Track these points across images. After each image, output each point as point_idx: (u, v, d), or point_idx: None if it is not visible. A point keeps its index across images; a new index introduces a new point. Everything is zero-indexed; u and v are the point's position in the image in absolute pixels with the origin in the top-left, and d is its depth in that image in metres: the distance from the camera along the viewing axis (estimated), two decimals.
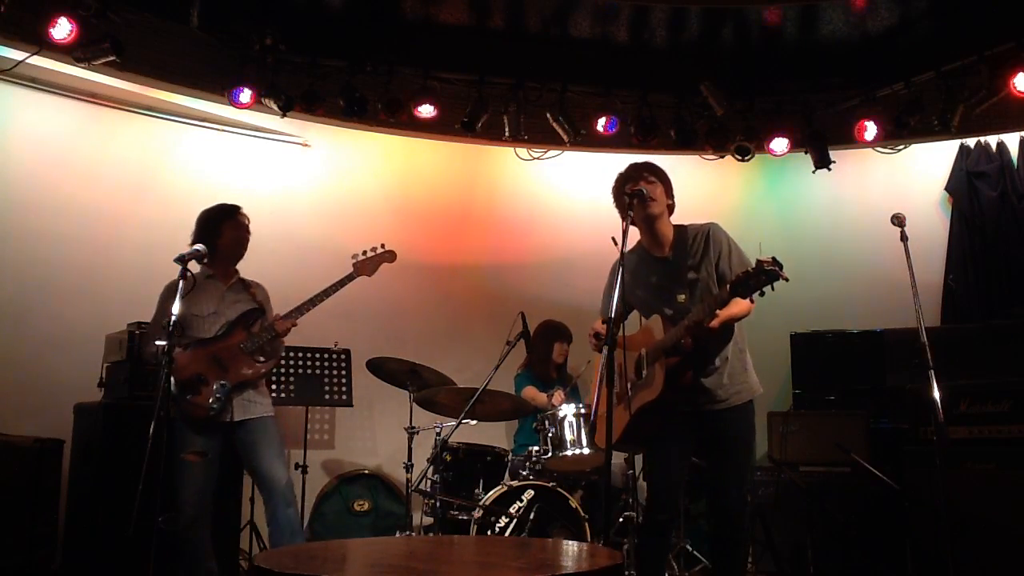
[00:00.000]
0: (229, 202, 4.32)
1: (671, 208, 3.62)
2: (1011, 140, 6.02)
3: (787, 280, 3.00)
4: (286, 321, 4.12)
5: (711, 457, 3.58)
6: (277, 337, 4.16)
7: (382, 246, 4.57)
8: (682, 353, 3.36)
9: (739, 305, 3.34)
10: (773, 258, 3.00)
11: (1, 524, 4.28)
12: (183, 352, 4.01)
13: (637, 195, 3.37)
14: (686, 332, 3.30)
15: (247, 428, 4.07)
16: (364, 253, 4.50)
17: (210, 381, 4.00)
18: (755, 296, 3.14)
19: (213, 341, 4.09)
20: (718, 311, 3.25)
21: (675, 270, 3.52)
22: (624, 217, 3.42)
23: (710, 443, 3.55)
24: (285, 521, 3.97)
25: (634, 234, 3.55)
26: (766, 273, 2.99)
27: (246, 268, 4.34)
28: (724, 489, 3.47)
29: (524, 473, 4.85)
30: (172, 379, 3.97)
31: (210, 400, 3.96)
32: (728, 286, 3.13)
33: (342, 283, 4.30)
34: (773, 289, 3.04)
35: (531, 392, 5.39)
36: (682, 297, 3.45)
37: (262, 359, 4.17)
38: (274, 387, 5.21)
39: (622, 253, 3.19)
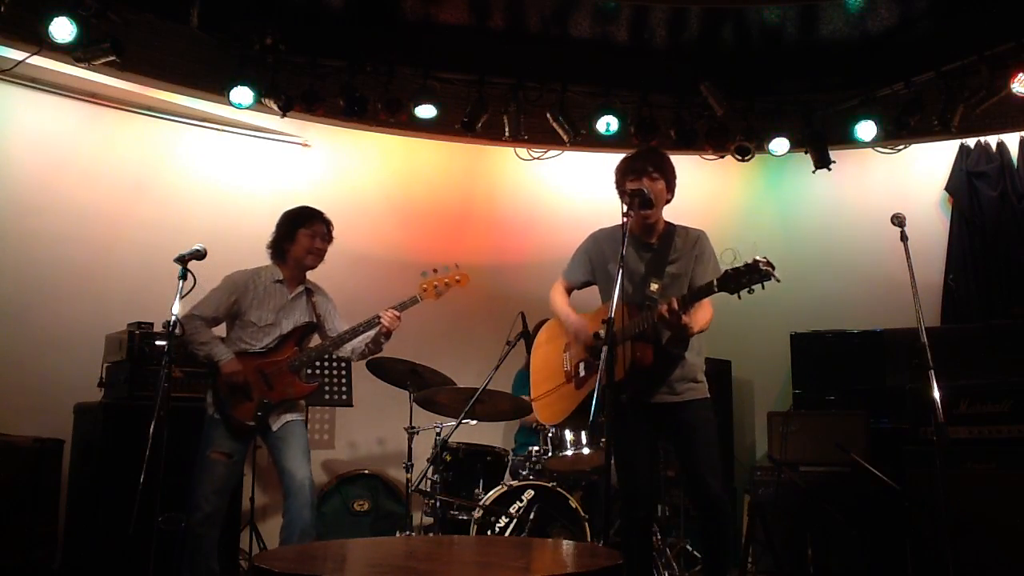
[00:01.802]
0: (310, 206, 4.26)
1: (668, 200, 3.61)
2: (1011, 140, 6.01)
3: (779, 281, 3.01)
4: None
5: (680, 454, 3.59)
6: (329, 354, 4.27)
7: (456, 266, 4.33)
8: (647, 339, 3.37)
9: (704, 316, 3.38)
10: (767, 259, 3.01)
11: (1, 524, 4.28)
12: (235, 359, 4.02)
13: (638, 195, 3.36)
14: (659, 319, 3.26)
15: (279, 431, 4.09)
16: (435, 271, 4.29)
17: (254, 395, 4.01)
18: (742, 296, 3.12)
19: (262, 355, 4.08)
20: (688, 314, 3.22)
21: (657, 259, 3.54)
22: (625, 211, 3.34)
23: (675, 437, 3.56)
24: (298, 520, 3.96)
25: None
26: (760, 272, 3.00)
27: (246, 265, 4.31)
28: (702, 480, 3.45)
29: (524, 473, 4.85)
30: (217, 384, 4.01)
31: (250, 417, 3.98)
32: (716, 280, 3.12)
33: (403, 306, 4.17)
34: (764, 288, 3.04)
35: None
36: (655, 286, 3.47)
37: (307, 380, 4.19)
38: None
39: (622, 255, 3.17)
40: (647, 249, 3.58)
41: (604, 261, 3.66)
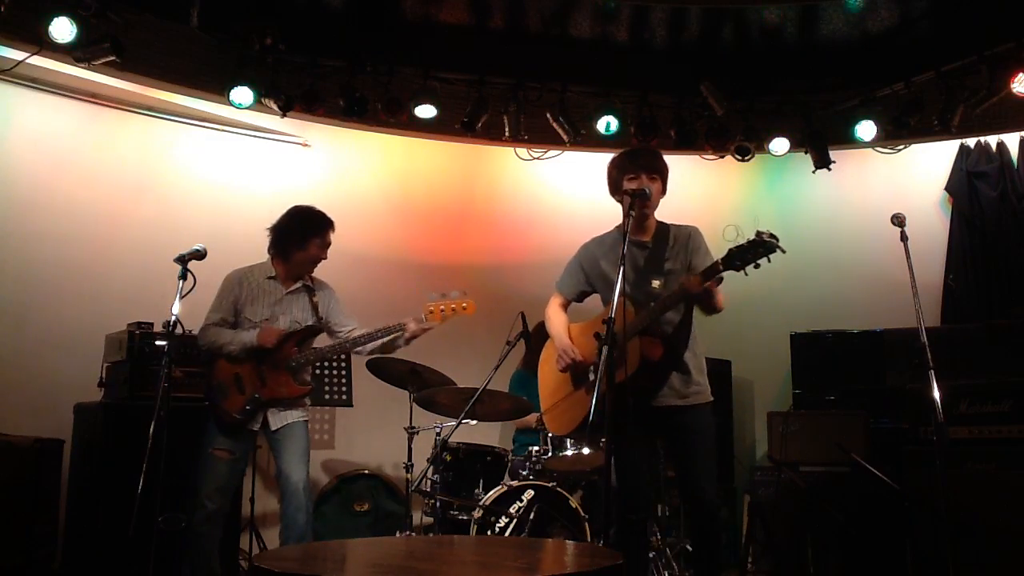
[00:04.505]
0: (324, 213, 4.23)
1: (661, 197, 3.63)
2: (1011, 140, 6.01)
3: (784, 252, 3.00)
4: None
5: (679, 458, 3.59)
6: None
7: (463, 293, 4.33)
8: (657, 334, 3.37)
9: (721, 294, 3.37)
10: (769, 231, 3.02)
11: (1, 524, 4.28)
12: (263, 330, 4.03)
13: (640, 195, 3.37)
14: (680, 289, 3.30)
15: (279, 432, 4.09)
16: (443, 296, 4.31)
17: (246, 389, 4.01)
18: (743, 296, 3.13)
19: (263, 351, 4.06)
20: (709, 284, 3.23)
21: (654, 257, 3.54)
22: (625, 211, 3.34)
23: (676, 441, 3.56)
24: (293, 523, 3.98)
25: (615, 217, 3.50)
26: (764, 245, 3.00)
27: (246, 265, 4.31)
28: (698, 486, 3.47)
29: (524, 473, 4.84)
30: (209, 377, 4.02)
31: (237, 410, 3.98)
32: (720, 260, 3.13)
33: (423, 327, 4.25)
34: (770, 261, 3.03)
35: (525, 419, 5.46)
36: (657, 283, 3.46)
37: (301, 383, 4.15)
38: None
39: (623, 254, 3.17)
40: (642, 248, 3.57)
41: (597, 265, 3.65)
